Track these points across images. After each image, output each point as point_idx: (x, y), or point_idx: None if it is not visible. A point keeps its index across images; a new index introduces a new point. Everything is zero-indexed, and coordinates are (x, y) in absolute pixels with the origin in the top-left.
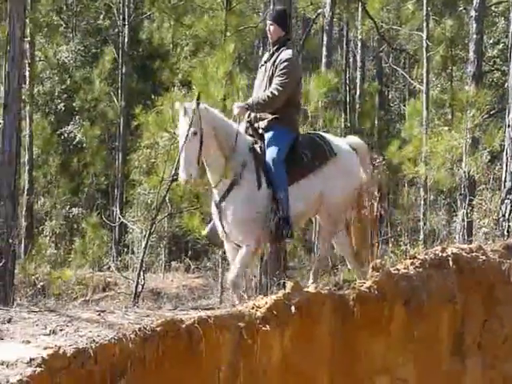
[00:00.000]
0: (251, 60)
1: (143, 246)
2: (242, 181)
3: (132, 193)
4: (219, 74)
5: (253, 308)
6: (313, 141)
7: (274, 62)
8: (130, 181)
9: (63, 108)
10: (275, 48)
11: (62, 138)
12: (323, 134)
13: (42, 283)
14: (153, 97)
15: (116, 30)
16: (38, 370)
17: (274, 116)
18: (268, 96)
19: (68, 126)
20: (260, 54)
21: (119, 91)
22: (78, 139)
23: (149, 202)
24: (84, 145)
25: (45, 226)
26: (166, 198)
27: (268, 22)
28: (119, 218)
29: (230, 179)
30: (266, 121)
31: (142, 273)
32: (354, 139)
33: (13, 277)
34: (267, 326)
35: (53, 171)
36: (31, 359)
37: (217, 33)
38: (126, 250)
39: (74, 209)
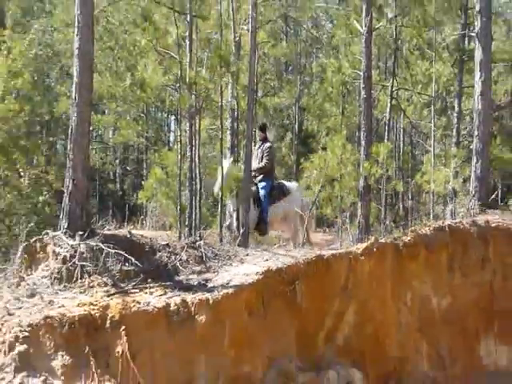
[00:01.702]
0: (353, 138)
1: (308, 215)
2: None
3: None
4: (339, 144)
5: (356, 249)
6: (280, 185)
7: (263, 149)
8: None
9: None
10: (261, 142)
11: None
12: (283, 181)
13: (259, 239)
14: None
15: (291, 126)
16: (260, 277)
17: (263, 174)
18: (262, 166)
19: None
20: (356, 133)
21: (292, 150)
22: None
23: None
24: None
25: None
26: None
27: (257, 131)
28: None
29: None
30: (260, 176)
31: (305, 232)
32: (295, 183)
33: (247, 236)
34: (362, 258)
35: None
36: (257, 272)
37: (337, 125)
38: None
39: None
